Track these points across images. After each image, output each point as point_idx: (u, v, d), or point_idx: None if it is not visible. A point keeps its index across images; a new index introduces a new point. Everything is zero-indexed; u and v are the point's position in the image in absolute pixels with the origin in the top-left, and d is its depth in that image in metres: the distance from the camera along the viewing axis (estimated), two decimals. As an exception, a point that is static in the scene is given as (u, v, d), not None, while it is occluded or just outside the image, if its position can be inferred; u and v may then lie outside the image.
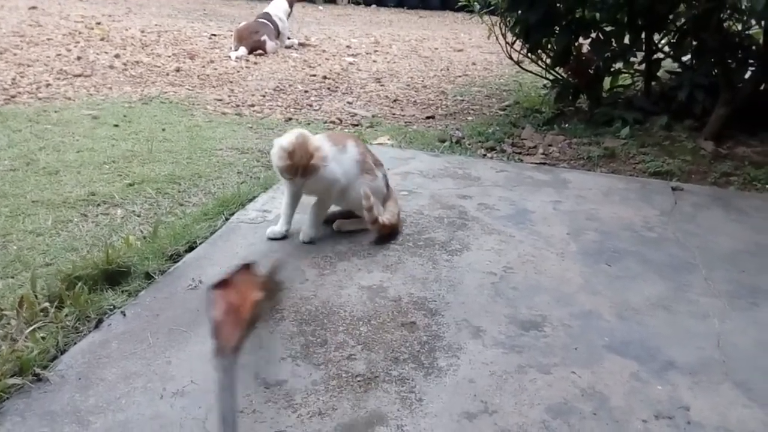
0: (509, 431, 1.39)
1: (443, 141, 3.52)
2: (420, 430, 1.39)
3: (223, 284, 1.51)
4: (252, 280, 1.60)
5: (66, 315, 1.69)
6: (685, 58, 3.99)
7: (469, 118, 4.19)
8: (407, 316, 1.80)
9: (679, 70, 4.02)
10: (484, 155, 3.35)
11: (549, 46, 4.10)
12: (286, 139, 2.05)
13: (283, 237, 2.20)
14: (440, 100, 4.67)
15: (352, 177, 2.17)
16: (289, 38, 6.28)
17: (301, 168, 2.01)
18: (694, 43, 3.96)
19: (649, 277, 2.06)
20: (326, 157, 2.04)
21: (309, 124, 3.84)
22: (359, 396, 1.48)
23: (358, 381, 1.53)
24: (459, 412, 1.45)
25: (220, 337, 1.37)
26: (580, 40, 4.03)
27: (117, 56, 5.23)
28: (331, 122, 3.94)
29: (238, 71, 5.18)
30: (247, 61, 5.57)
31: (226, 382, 1.29)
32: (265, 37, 5.84)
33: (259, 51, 5.79)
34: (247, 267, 1.63)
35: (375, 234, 2.19)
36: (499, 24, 4.17)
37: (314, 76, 5.18)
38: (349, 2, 10.59)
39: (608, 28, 3.93)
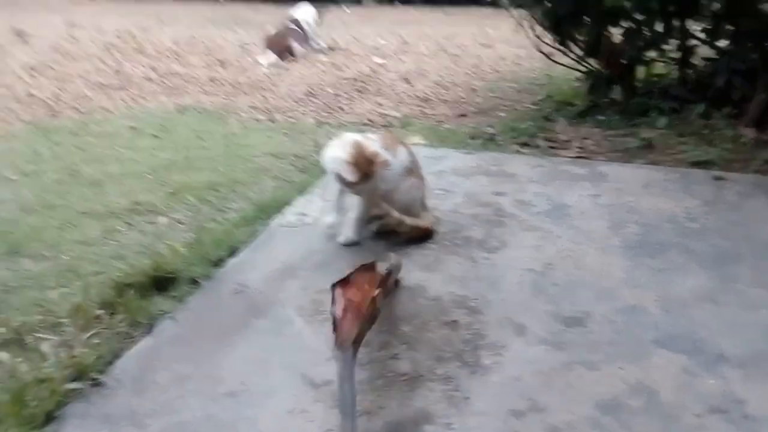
0: (558, 428, 1.39)
1: (475, 138, 3.51)
2: (468, 428, 1.39)
3: (344, 282, 1.60)
4: (371, 278, 1.68)
5: (119, 321, 1.75)
6: (721, 44, 3.89)
7: (501, 114, 4.16)
8: (449, 314, 1.80)
9: (715, 56, 3.92)
10: (518, 151, 3.32)
11: (579, 37, 4.05)
12: (344, 151, 2.03)
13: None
14: (471, 97, 4.65)
15: (398, 182, 2.19)
16: (317, 42, 6.33)
17: (362, 176, 2.03)
18: (730, 28, 3.87)
19: (694, 269, 2.02)
20: (387, 161, 2.06)
21: (341, 126, 3.87)
22: (405, 395, 1.49)
23: (404, 380, 1.54)
24: (506, 410, 1.45)
25: (339, 332, 1.46)
26: (611, 29, 3.96)
27: (153, 68, 5.35)
28: (362, 124, 3.97)
29: (269, 78, 5.25)
30: (278, 67, 5.63)
31: (345, 373, 1.37)
32: (294, 43, 5.90)
33: (289, 57, 5.85)
34: (367, 266, 1.71)
35: (406, 236, 2.20)
36: (528, 17, 4.13)
37: (344, 79, 5.21)
38: (375, 2, 10.62)
39: (639, 17, 3.85)
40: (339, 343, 1.44)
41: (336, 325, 1.48)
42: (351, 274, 1.64)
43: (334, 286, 1.58)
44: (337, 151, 2.06)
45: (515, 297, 1.89)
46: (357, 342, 1.48)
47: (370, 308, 1.56)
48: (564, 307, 1.83)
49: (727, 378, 1.54)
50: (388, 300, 1.78)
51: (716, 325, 1.74)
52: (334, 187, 2.22)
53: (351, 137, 2.11)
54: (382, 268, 1.74)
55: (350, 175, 2.01)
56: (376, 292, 1.62)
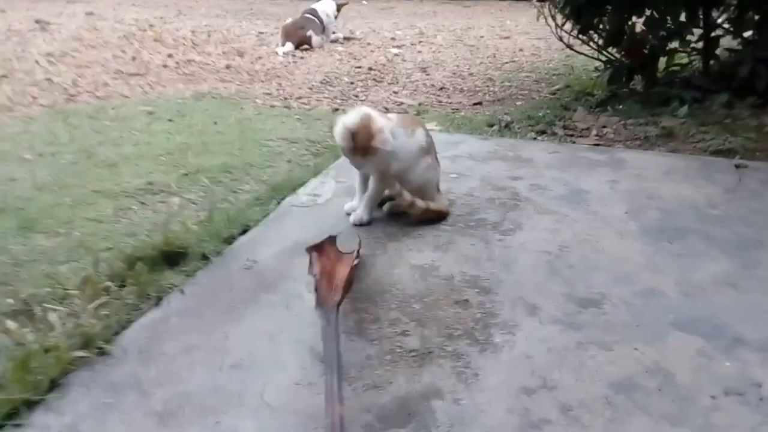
0: (570, 406, 1.35)
1: (492, 125, 3.47)
2: (477, 404, 1.36)
3: (317, 248, 1.71)
4: (337, 250, 1.78)
5: (128, 294, 1.74)
6: (746, 35, 3.80)
7: (518, 103, 4.11)
8: (460, 294, 1.77)
9: (738, 47, 3.83)
10: (535, 138, 3.28)
11: (600, 26, 3.98)
12: (351, 118, 2.05)
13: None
14: (487, 86, 4.61)
15: (412, 164, 2.16)
16: (334, 32, 6.32)
17: (361, 148, 2.02)
18: (756, 17, 3.78)
19: (715, 254, 1.97)
20: (387, 141, 2.03)
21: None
22: (414, 370, 1.47)
23: (413, 356, 1.52)
24: (517, 387, 1.41)
25: (319, 293, 1.51)
26: (634, 18, 3.89)
27: (170, 56, 5.37)
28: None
29: (285, 66, 5.25)
30: (294, 56, 5.63)
31: (330, 332, 1.40)
32: (310, 33, 5.89)
33: (306, 46, 5.85)
34: (331, 239, 1.80)
35: (416, 217, 2.18)
36: (548, 5, 4.07)
37: (360, 68, 5.19)
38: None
39: (662, 6, 3.77)
40: (321, 304, 1.49)
41: (316, 286, 1.54)
42: (322, 242, 1.74)
43: (309, 250, 1.70)
44: (345, 118, 2.06)
45: (529, 278, 1.85)
46: (338, 304, 1.55)
47: (348, 275, 1.66)
48: (579, 289, 1.79)
49: (744, 361, 1.49)
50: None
51: (736, 310, 1.69)
52: (356, 172, 2.21)
53: (365, 109, 2.10)
54: (345, 244, 1.84)
55: (344, 141, 2.02)
56: (356, 261, 1.74)
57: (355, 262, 1.76)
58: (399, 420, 1.32)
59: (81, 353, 1.48)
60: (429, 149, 2.21)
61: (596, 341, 1.56)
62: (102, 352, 1.52)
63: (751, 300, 1.73)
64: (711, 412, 1.34)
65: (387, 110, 3.97)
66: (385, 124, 2.07)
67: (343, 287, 1.63)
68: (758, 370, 1.45)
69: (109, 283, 1.76)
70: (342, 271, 1.69)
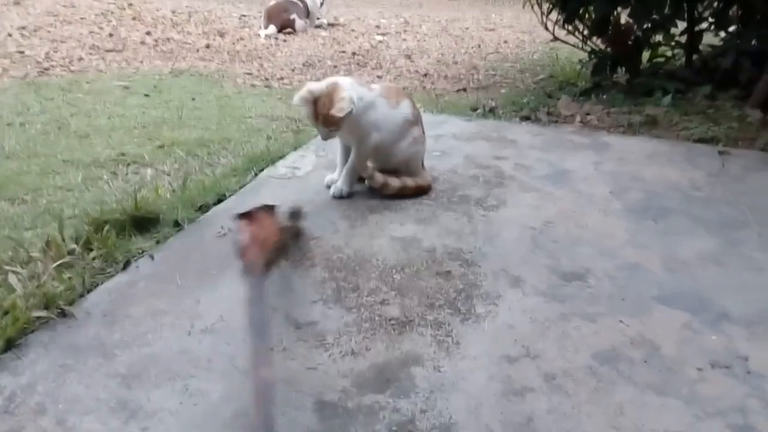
0: (553, 374, 1.31)
1: (476, 109, 3.42)
2: (458, 371, 1.31)
3: (247, 215, 1.56)
4: (272, 219, 1.63)
5: (93, 258, 1.66)
6: (729, 30, 3.82)
7: (502, 90, 4.07)
8: (442, 265, 1.72)
9: (720, 44, 3.85)
10: (519, 122, 3.24)
11: (586, 15, 3.96)
12: (317, 84, 1.99)
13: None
14: (471, 74, 4.56)
15: (397, 136, 2.10)
16: (318, 18, 6.23)
17: (321, 116, 1.95)
18: (740, 12, 3.79)
19: (699, 232, 1.95)
20: (343, 109, 1.93)
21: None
22: (393, 338, 1.41)
23: (392, 324, 1.46)
24: (499, 355, 1.37)
25: (246, 258, 1.40)
26: (619, 9, 3.88)
27: (148, 33, 5.24)
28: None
29: (268, 48, 5.15)
30: (277, 38, 5.53)
31: (255, 295, 1.31)
32: (294, 16, 5.79)
33: (289, 29, 5.75)
34: (268, 207, 1.65)
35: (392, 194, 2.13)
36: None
37: (343, 52, 5.12)
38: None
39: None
40: (246, 269, 1.40)
41: (241, 253, 1.44)
42: (253, 210, 1.62)
43: (237, 217, 1.58)
44: (312, 84, 2.00)
45: (513, 251, 1.80)
46: (264, 269, 1.43)
47: (275, 242, 1.54)
48: (563, 263, 1.75)
49: (730, 335, 1.46)
50: (295, 245, 1.73)
51: (721, 286, 1.66)
52: (339, 145, 2.15)
53: (334, 78, 2.04)
54: (282, 213, 1.72)
55: (303, 103, 1.97)
56: (287, 224, 1.66)
57: (285, 224, 1.66)
58: (377, 386, 1.26)
59: (41, 313, 1.40)
60: (415, 122, 2.15)
61: (580, 313, 1.52)
62: (63, 314, 1.44)
63: (735, 276, 1.71)
64: (697, 384, 1.30)
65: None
66: (350, 96, 1.99)
67: (273, 251, 1.52)
68: (744, 344, 1.43)
69: (74, 246, 1.67)
70: (273, 238, 1.57)
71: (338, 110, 1.94)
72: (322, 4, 6.30)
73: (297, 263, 1.68)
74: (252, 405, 1.11)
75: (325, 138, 2.05)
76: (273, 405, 1.12)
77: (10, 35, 4.84)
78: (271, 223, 1.59)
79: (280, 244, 1.56)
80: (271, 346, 1.30)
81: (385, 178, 2.11)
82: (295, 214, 1.75)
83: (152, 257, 1.70)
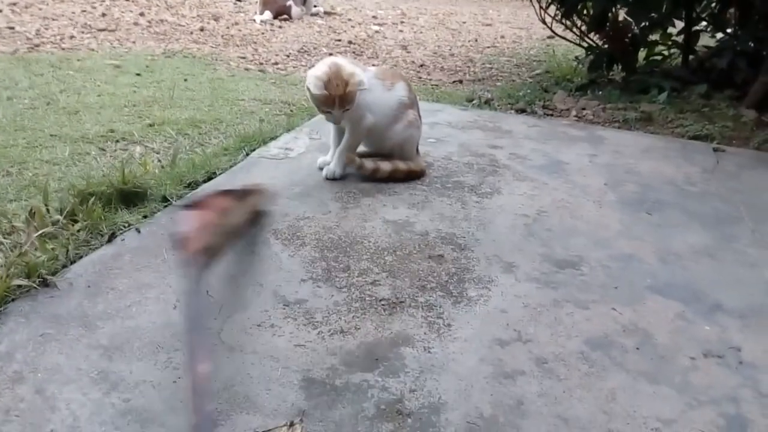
0: (545, 359, 1.29)
1: (471, 100, 3.40)
2: (449, 352, 1.29)
3: (195, 205, 1.46)
4: (222, 203, 1.52)
5: (78, 230, 1.62)
6: (726, 31, 3.82)
7: (498, 83, 4.05)
8: (434, 249, 1.70)
9: (716, 44, 3.85)
10: (515, 114, 3.22)
11: (585, 11, 3.95)
12: (319, 69, 1.96)
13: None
14: (468, 67, 4.54)
15: (391, 119, 2.07)
16: (315, 6, 6.18)
17: (338, 98, 1.91)
18: (737, 13, 3.79)
19: (693, 226, 1.93)
20: (362, 81, 1.94)
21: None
22: (384, 318, 1.38)
23: (383, 304, 1.43)
24: (490, 338, 1.34)
25: (185, 249, 1.29)
26: (618, 6, 3.87)
27: (142, 14, 5.17)
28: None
29: (263, 33, 5.10)
30: (272, 24, 5.48)
31: (192, 287, 1.22)
32: (290, 3, 5.74)
33: (285, 16, 5.70)
34: (222, 192, 1.58)
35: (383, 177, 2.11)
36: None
37: (339, 41, 5.08)
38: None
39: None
40: (184, 260, 1.29)
41: (180, 244, 1.33)
42: (203, 198, 1.53)
43: (182, 208, 1.49)
44: (313, 71, 1.97)
45: (506, 238, 1.78)
46: (207, 255, 1.34)
47: (219, 222, 1.44)
48: (557, 251, 1.73)
49: (723, 326, 1.45)
50: (256, 224, 1.68)
51: (715, 278, 1.65)
52: (331, 127, 2.11)
53: (331, 59, 2.02)
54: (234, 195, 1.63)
55: (317, 89, 1.92)
56: (230, 208, 1.52)
57: (226, 206, 1.52)
58: (366, 365, 1.24)
59: (21, 282, 1.36)
60: (411, 104, 2.12)
61: (573, 300, 1.50)
62: (46, 284, 1.40)
63: (729, 270, 1.70)
64: (690, 372, 1.29)
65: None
66: (357, 70, 1.97)
67: (218, 236, 1.42)
68: (738, 335, 1.41)
69: (58, 217, 1.63)
70: (219, 222, 1.46)
71: (358, 84, 1.93)
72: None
73: (256, 242, 1.64)
74: (190, 403, 1.03)
75: (338, 121, 2.01)
76: (211, 403, 1.06)
77: (0, 11, 4.75)
78: (219, 208, 1.49)
79: (228, 228, 1.46)
80: (209, 341, 1.23)
81: (376, 163, 2.08)
82: (248, 193, 1.68)
83: (138, 231, 1.66)
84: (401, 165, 2.10)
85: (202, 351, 1.12)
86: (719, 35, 3.90)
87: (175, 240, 1.37)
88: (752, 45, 3.53)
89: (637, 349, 1.35)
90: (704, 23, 3.92)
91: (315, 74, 1.95)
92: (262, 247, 1.64)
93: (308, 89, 1.95)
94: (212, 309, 1.33)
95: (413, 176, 2.12)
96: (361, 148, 2.16)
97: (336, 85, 1.92)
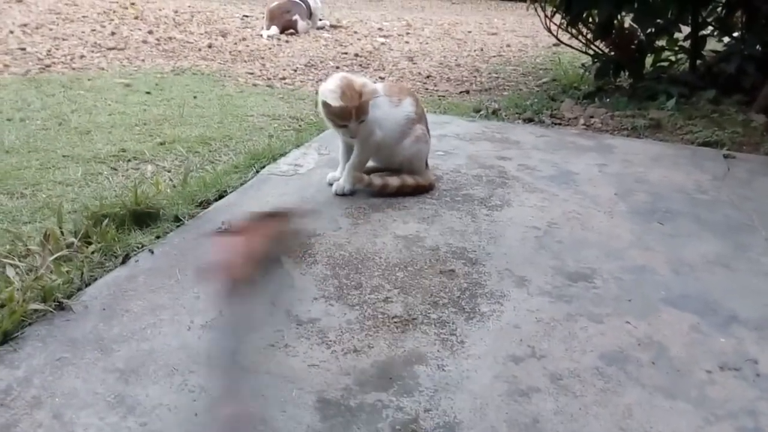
0: (560, 375, 1.28)
1: (479, 111, 3.41)
2: (462, 370, 1.29)
3: (229, 232, 1.48)
4: (261, 226, 1.55)
5: (92, 252, 1.63)
6: (733, 35, 3.81)
7: (505, 93, 4.06)
8: (446, 264, 1.70)
9: (723, 49, 3.84)
10: (522, 124, 3.22)
11: (590, 19, 3.95)
12: (331, 83, 1.98)
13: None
14: (474, 77, 4.55)
15: (399, 134, 2.08)
16: (321, 19, 6.22)
17: (354, 109, 1.93)
18: (744, 17, 3.79)
19: (705, 236, 1.92)
20: (375, 90, 1.97)
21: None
22: (396, 336, 1.39)
23: (395, 322, 1.43)
24: (504, 355, 1.34)
25: (221, 279, 1.30)
26: (623, 13, 3.87)
27: (150, 32, 5.22)
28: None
29: (270, 48, 5.13)
30: (279, 39, 5.51)
31: (228, 320, 1.22)
32: (296, 17, 5.78)
33: (291, 30, 5.74)
34: (257, 217, 1.61)
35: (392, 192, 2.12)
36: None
37: (346, 54, 5.10)
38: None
39: (652, 1, 3.76)
40: (220, 291, 1.29)
41: (215, 274, 1.33)
42: (237, 224, 1.53)
43: (215, 235, 1.50)
44: (325, 86, 1.99)
45: (517, 251, 1.78)
46: (244, 281, 1.33)
47: (257, 250, 1.43)
48: (568, 264, 1.72)
49: (740, 338, 1.44)
50: (289, 245, 1.67)
51: (729, 289, 1.64)
52: (339, 143, 2.12)
53: (340, 74, 2.05)
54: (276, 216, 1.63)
55: (334, 101, 1.93)
56: (267, 235, 1.53)
57: (268, 235, 1.52)
58: (380, 384, 1.24)
59: (38, 306, 1.37)
60: (418, 119, 2.13)
61: (586, 314, 1.50)
62: (61, 308, 1.41)
63: (743, 280, 1.69)
64: (707, 386, 1.28)
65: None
66: (367, 80, 2.00)
67: (249, 264, 1.41)
68: (754, 347, 1.40)
69: (73, 239, 1.64)
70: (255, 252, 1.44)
71: (370, 93, 1.96)
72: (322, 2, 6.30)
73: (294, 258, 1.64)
74: None
75: (355, 134, 2.01)
76: None
77: (11, 32, 4.82)
78: (259, 230, 1.49)
79: (264, 248, 1.46)
80: (243, 380, 1.21)
81: (384, 178, 2.09)
82: (279, 216, 1.68)
83: (152, 252, 1.67)
84: (409, 180, 2.11)
85: (234, 391, 1.11)
86: (726, 39, 3.89)
87: (211, 269, 1.36)
88: (759, 49, 3.52)
89: (653, 363, 1.34)
90: (711, 28, 3.91)
91: (328, 88, 1.97)
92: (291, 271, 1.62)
93: (324, 104, 1.96)
94: (248, 343, 1.31)
95: (421, 190, 2.13)
96: (371, 164, 2.17)
97: (350, 96, 1.93)
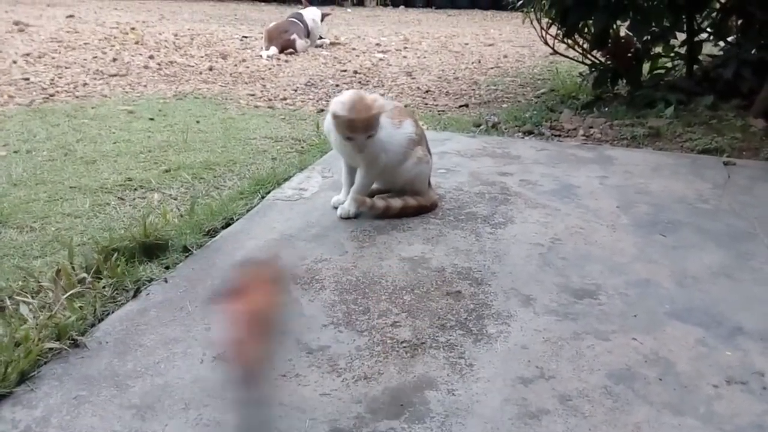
0: (569, 396, 1.30)
1: (479, 125, 3.44)
2: (472, 394, 1.30)
3: (230, 294, 1.32)
4: (258, 277, 1.39)
5: (104, 286, 1.66)
6: (729, 39, 3.84)
7: (504, 105, 4.09)
8: (452, 285, 1.72)
9: (719, 53, 3.87)
10: (522, 137, 3.25)
11: (586, 29, 3.99)
12: (342, 97, 2.02)
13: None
14: (473, 90, 4.59)
15: (401, 156, 2.11)
16: (321, 37, 6.28)
17: (363, 121, 1.96)
18: (739, 22, 3.82)
19: (708, 246, 1.94)
20: (384, 105, 2.02)
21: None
22: (406, 361, 1.40)
23: (404, 347, 1.45)
24: (513, 377, 1.36)
25: (236, 360, 1.23)
26: (618, 22, 3.91)
27: (151, 57, 5.29)
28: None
29: (270, 69, 5.19)
30: (278, 59, 5.58)
31: (251, 410, 1.17)
32: (294, 36, 5.85)
33: (290, 50, 5.80)
34: (250, 265, 1.55)
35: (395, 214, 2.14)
36: (534, 9, 4.07)
37: (345, 71, 5.16)
38: (377, 4, 10.60)
39: (647, 10, 3.79)
40: (235, 374, 1.20)
41: (229, 357, 1.24)
42: (235, 283, 1.38)
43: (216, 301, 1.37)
44: (337, 99, 2.03)
45: (522, 269, 1.80)
46: (260, 363, 1.22)
47: (260, 316, 1.26)
48: (573, 280, 1.74)
49: (745, 350, 1.45)
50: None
51: (734, 300, 1.65)
52: (342, 165, 2.15)
53: (352, 90, 2.11)
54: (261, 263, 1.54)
55: (344, 111, 1.96)
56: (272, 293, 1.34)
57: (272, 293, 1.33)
58: (391, 411, 1.25)
59: (53, 345, 1.39)
60: (419, 141, 2.15)
61: (593, 331, 1.52)
62: (76, 345, 1.43)
63: (747, 290, 1.70)
64: (714, 401, 1.29)
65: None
66: (377, 96, 2.06)
67: (263, 334, 1.25)
68: (760, 359, 1.42)
69: (84, 275, 1.67)
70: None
71: (380, 107, 2.00)
72: (322, 19, 6.35)
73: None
74: None
75: (361, 149, 2.01)
76: None
77: (15, 62, 4.89)
78: (259, 283, 1.33)
79: (270, 320, 1.29)
80: None
81: (386, 200, 2.12)
82: (267, 268, 1.58)
83: (166, 281, 1.70)
84: (411, 201, 2.14)
85: None
86: (722, 43, 3.92)
87: (224, 352, 1.32)
88: (755, 53, 3.54)
89: (660, 379, 1.35)
90: (706, 33, 3.94)
91: (339, 100, 2.01)
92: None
93: (334, 115, 1.98)
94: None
95: (425, 210, 2.15)
96: (374, 186, 2.20)
97: (360, 109, 1.97)
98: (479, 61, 5.66)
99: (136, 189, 2.54)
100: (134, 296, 1.64)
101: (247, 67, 5.17)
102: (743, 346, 1.47)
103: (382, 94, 4.37)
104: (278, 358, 1.38)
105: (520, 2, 4.22)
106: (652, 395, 1.31)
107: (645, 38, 3.83)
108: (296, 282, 1.69)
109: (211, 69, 5.04)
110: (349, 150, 2.04)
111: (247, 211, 2.18)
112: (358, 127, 1.97)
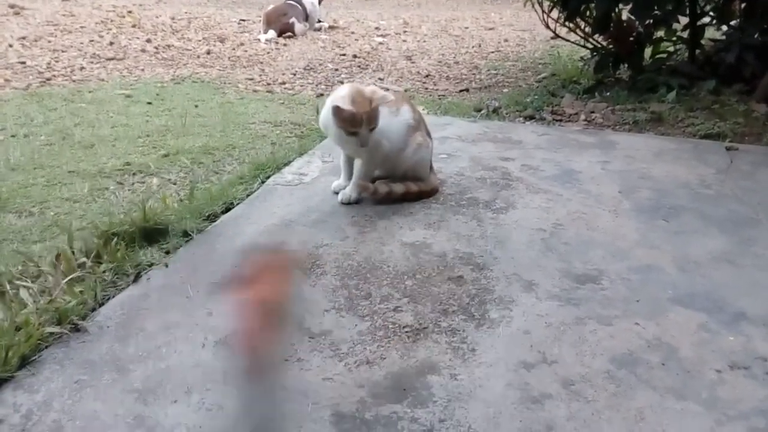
0: (572, 380, 1.30)
1: (480, 110, 3.41)
2: (475, 378, 1.30)
3: (239, 282, 1.38)
4: (270, 263, 1.49)
5: (104, 271, 1.65)
6: (731, 23, 3.81)
7: (505, 90, 4.06)
8: (454, 270, 1.71)
9: (722, 37, 3.84)
10: (523, 122, 3.23)
11: (588, 13, 3.95)
12: (340, 91, 2.01)
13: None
14: (473, 74, 4.55)
15: (401, 144, 2.09)
16: (318, 21, 6.22)
17: (364, 115, 1.94)
18: (742, 5, 3.78)
19: (710, 231, 1.93)
20: (385, 96, 1.99)
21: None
22: (408, 346, 1.40)
23: (406, 332, 1.45)
24: (515, 362, 1.36)
25: (246, 349, 1.24)
26: (620, 5, 3.86)
27: (148, 41, 5.24)
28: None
29: (268, 53, 5.14)
30: (277, 43, 5.53)
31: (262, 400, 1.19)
32: (293, 20, 5.79)
33: (288, 33, 5.74)
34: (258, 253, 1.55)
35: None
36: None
37: (344, 55, 5.11)
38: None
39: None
40: (246, 363, 1.23)
41: (240, 345, 1.25)
42: (246, 272, 1.41)
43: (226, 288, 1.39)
44: (334, 95, 2.01)
45: (524, 255, 1.79)
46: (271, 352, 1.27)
47: (270, 305, 1.34)
48: (576, 265, 1.74)
49: (748, 335, 1.45)
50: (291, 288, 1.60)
51: (736, 285, 1.65)
52: (341, 151, 2.14)
53: (347, 84, 2.07)
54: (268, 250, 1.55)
55: (348, 107, 1.94)
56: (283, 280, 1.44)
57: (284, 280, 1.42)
58: (394, 396, 1.25)
59: (54, 329, 1.39)
60: (417, 126, 2.13)
61: (595, 316, 1.51)
62: (77, 329, 1.43)
63: (749, 275, 1.70)
64: (717, 386, 1.29)
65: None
66: (375, 88, 2.03)
67: (274, 323, 1.33)
68: (763, 345, 1.41)
69: (84, 260, 1.66)
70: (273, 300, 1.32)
71: (382, 99, 1.98)
72: (320, 2, 6.29)
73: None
74: None
75: (365, 143, 1.98)
76: None
77: (11, 46, 4.83)
78: (271, 269, 1.39)
79: (280, 306, 1.38)
80: None
81: (388, 185, 2.10)
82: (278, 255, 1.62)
83: (167, 265, 1.69)
84: (413, 186, 2.12)
85: None
86: (725, 27, 3.88)
87: (235, 340, 1.33)
88: (758, 37, 3.51)
89: (663, 364, 1.35)
90: (709, 17, 3.91)
91: (339, 95, 1.99)
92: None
93: (334, 110, 1.95)
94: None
95: (426, 195, 2.14)
96: (375, 172, 2.18)
97: (361, 102, 1.95)
98: (480, 45, 5.60)
99: (134, 173, 2.52)
100: (135, 281, 1.63)
101: (246, 51, 5.12)
102: (746, 331, 1.46)
103: (381, 79, 4.35)
104: (282, 344, 1.38)
105: None
106: (654, 380, 1.31)
107: (647, 22, 3.79)
108: (299, 268, 1.69)
109: (209, 53, 4.99)
110: (352, 144, 2.01)
111: (247, 196, 2.17)
112: (361, 121, 1.94)
